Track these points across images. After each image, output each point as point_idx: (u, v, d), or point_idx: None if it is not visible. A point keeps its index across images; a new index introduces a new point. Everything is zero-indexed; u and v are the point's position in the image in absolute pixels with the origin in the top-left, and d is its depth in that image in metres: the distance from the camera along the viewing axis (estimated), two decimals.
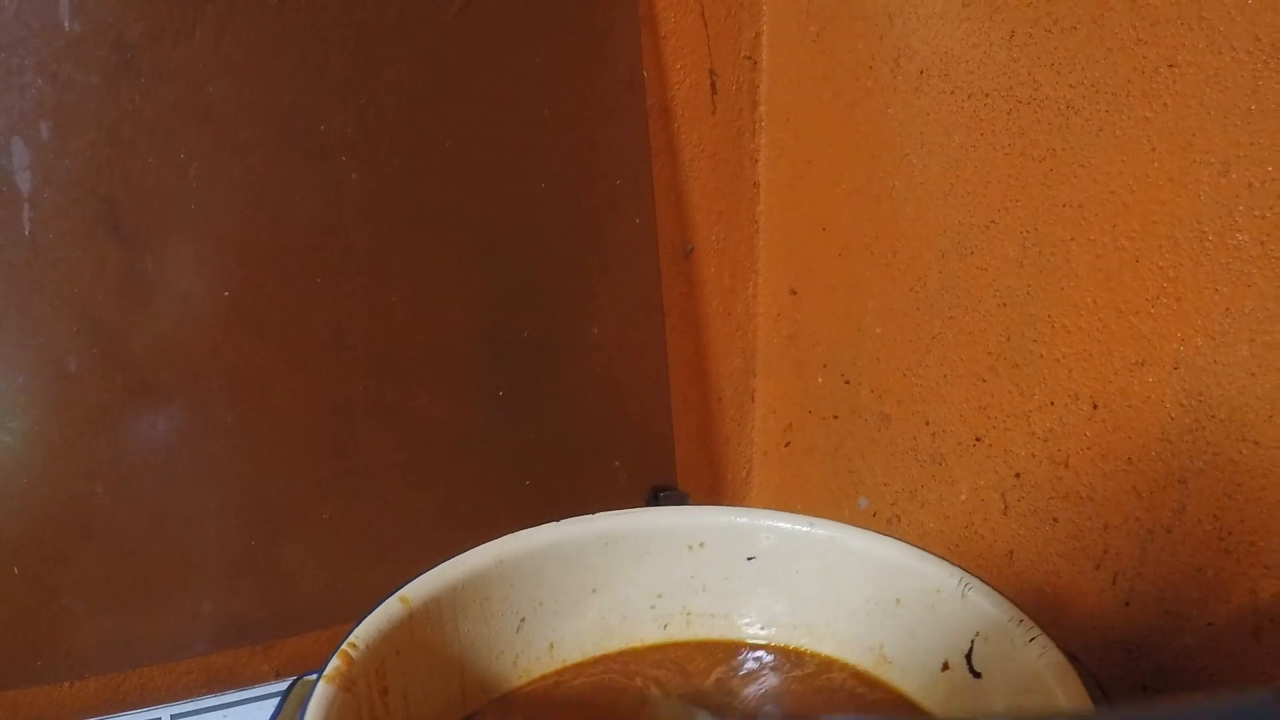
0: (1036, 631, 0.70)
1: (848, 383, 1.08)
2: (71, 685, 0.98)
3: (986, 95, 0.85)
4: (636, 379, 1.15)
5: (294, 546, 1.02)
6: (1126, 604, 0.80)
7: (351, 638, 0.72)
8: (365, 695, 0.72)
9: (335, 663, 0.70)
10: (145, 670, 1.00)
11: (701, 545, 0.86)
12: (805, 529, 0.83)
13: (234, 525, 0.99)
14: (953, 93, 0.89)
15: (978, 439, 0.93)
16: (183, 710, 0.99)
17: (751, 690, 0.83)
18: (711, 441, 1.25)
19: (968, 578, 0.76)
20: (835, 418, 1.11)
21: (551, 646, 0.85)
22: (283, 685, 1.02)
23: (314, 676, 0.69)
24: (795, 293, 1.15)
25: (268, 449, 0.99)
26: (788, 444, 1.19)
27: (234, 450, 0.98)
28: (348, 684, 0.70)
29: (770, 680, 0.84)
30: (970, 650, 0.76)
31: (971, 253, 0.90)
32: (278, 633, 1.02)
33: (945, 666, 0.78)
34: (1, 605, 0.93)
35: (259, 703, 1.01)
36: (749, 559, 0.86)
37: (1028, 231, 0.85)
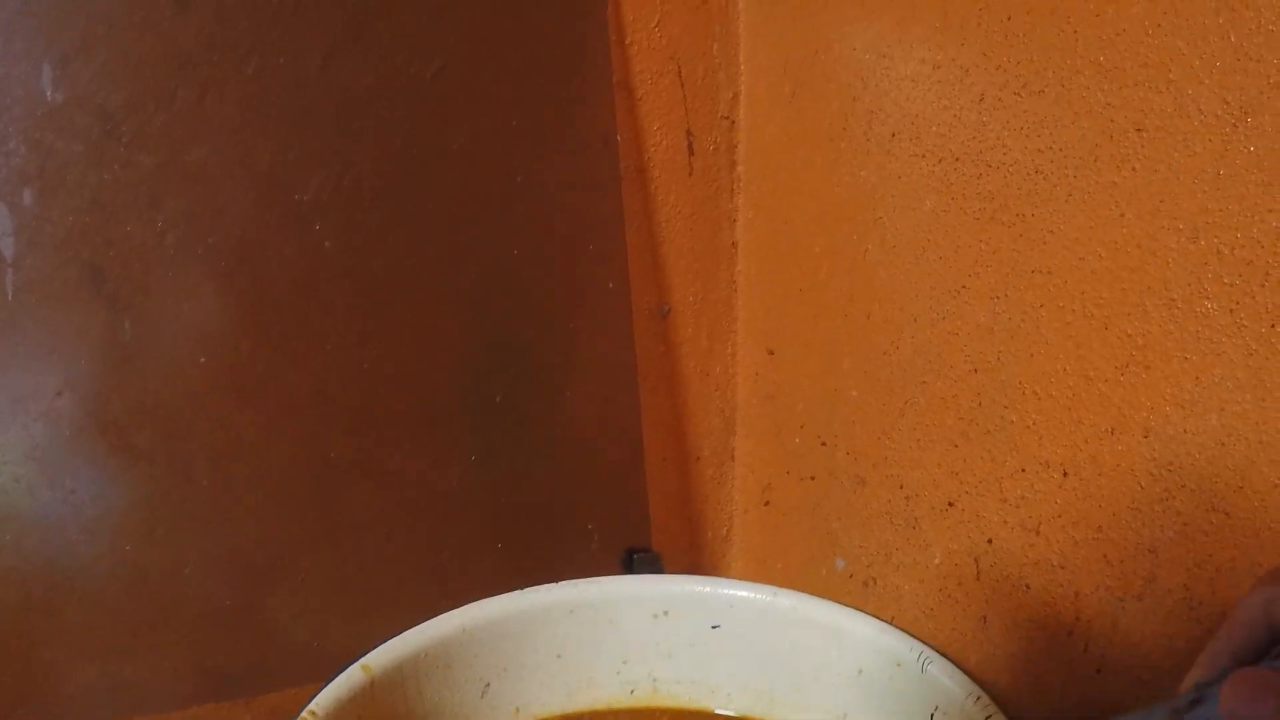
0: (993, 710, 0.72)
1: (824, 444, 1.08)
2: None
3: (956, 159, 0.86)
4: (610, 440, 1.15)
5: (273, 601, 1.02)
6: (1098, 671, 0.80)
7: (311, 705, 0.74)
8: None
9: None
10: None
11: (666, 613, 0.87)
12: (768, 598, 0.85)
13: (214, 580, 0.99)
14: (923, 156, 0.89)
15: (951, 504, 0.93)
16: None
17: None
18: (690, 501, 1.25)
19: (927, 652, 0.78)
20: (813, 479, 1.10)
21: (517, 711, 0.86)
22: None
23: None
24: (773, 353, 1.15)
25: (247, 505, 0.99)
26: (767, 503, 1.20)
27: (214, 507, 0.98)
28: None
29: None
30: None
31: (943, 318, 0.90)
32: (258, 686, 1.02)
33: None
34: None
35: None
36: (714, 627, 0.86)
37: (998, 297, 0.85)
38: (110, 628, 0.96)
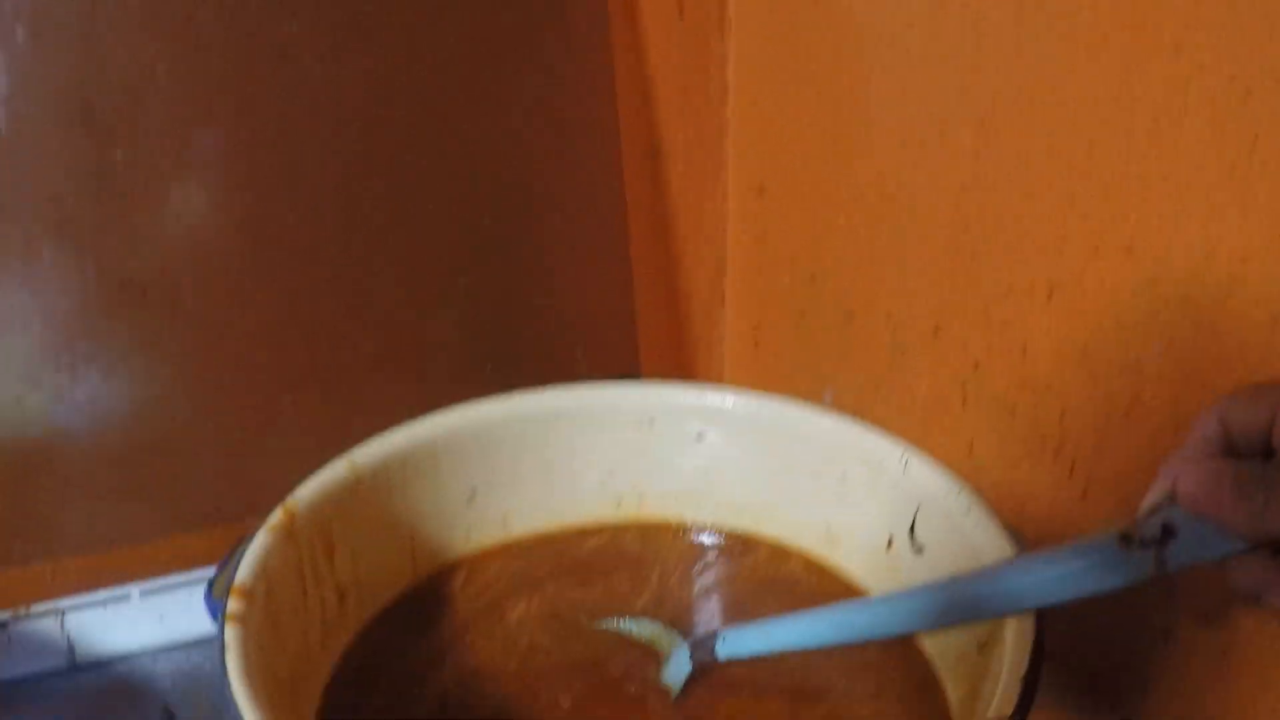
0: (974, 501, 0.72)
1: (813, 280, 1.08)
2: (46, 565, 1.00)
3: None
4: (599, 274, 1.16)
5: (264, 437, 1.03)
6: (1084, 494, 0.81)
7: (295, 494, 0.73)
8: (308, 550, 0.73)
9: (277, 515, 0.71)
10: (117, 551, 1.01)
11: (651, 422, 0.86)
12: (752, 406, 0.85)
13: (204, 416, 1.01)
14: None
15: (937, 330, 0.93)
16: (152, 587, 1.01)
17: (704, 581, 0.85)
18: (681, 345, 1.26)
19: (909, 450, 0.77)
20: (802, 316, 1.11)
21: (504, 519, 0.86)
22: None
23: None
24: (763, 192, 1.15)
25: (235, 342, 1.00)
26: (757, 343, 1.21)
27: (203, 342, 0.99)
28: (288, 535, 0.71)
29: (722, 569, 0.86)
30: (913, 524, 0.77)
31: (930, 145, 0.90)
32: (245, 517, 1.02)
33: (890, 543, 0.79)
34: None
35: None
36: (698, 436, 0.86)
37: (984, 121, 0.84)
38: (102, 462, 0.98)
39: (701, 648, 0.73)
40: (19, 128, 0.88)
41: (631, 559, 0.86)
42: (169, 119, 0.93)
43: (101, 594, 1.01)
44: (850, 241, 1.02)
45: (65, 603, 0.99)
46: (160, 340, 0.97)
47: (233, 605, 0.62)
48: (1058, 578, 0.58)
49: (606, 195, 1.14)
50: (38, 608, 0.98)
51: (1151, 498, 0.55)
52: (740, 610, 0.81)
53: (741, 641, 0.71)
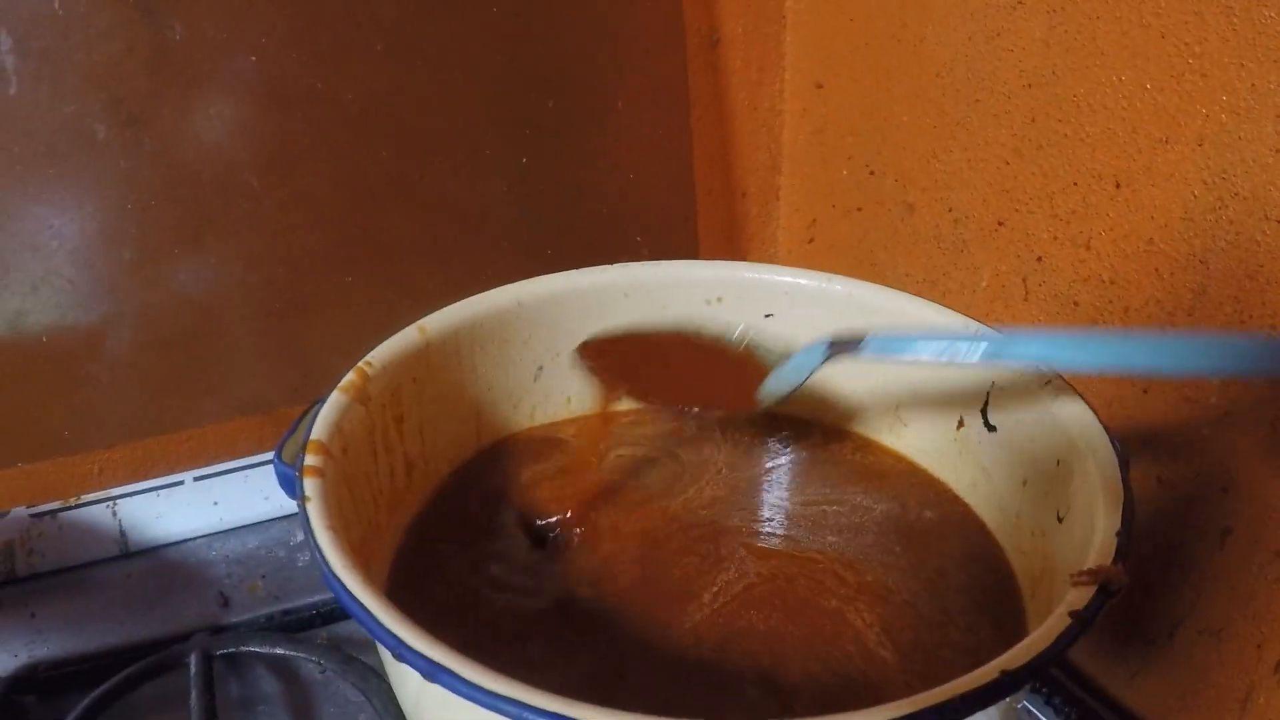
0: (1051, 374, 0.72)
1: (872, 173, 1.09)
2: (98, 453, 1.01)
3: None
4: (660, 161, 1.16)
5: (315, 322, 1.05)
6: (1145, 391, 0.81)
7: (368, 356, 0.74)
8: (379, 415, 0.74)
9: (350, 376, 0.72)
10: (169, 438, 1.03)
11: (719, 300, 0.87)
12: (821, 284, 0.86)
13: (257, 301, 1.02)
14: None
15: (1000, 223, 0.94)
16: (205, 473, 1.02)
17: (771, 463, 0.85)
18: (735, 238, 1.26)
19: (983, 328, 0.77)
20: (859, 210, 1.11)
21: (569, 400, 0.88)
22: None
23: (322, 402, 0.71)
24: (822, 86, 1.15)
25: (291, 224, 1.01)
26: (811, 240, 1.21)
27: (259, 225, 1.00)
28: (362, 398, 0.72)
29: (792, 453, 0.86)
30: (985, 404, 0.78)
31: (998, 34, 0.90)
32: (297, 402, 1.04)
33: (960, 424, 0.80)
34: (32, 379, 0.96)
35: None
36: (767, 316, 0.87)
37: (1055, 10, 0.84)
38: (154, 348, 0.99)
39: (842, 343, 0.69)
40: (74, 5, 0.88)
41: (696, 439, 0.86)
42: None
43: (153, 481, 1.02)
44: (912, 134, 1.02)
45: (116, 491, 1.01)
46: (215, 224, 0.98)
47: (311, 459, 0.63)
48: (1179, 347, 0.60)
49: (670, 83, 1.14)
50: (88, 497, 1.00)
51: None
52: (802, 483, 0.82)
53: (893, 342, 0.68)
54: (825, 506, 0.79)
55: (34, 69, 0.89)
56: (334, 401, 0.69)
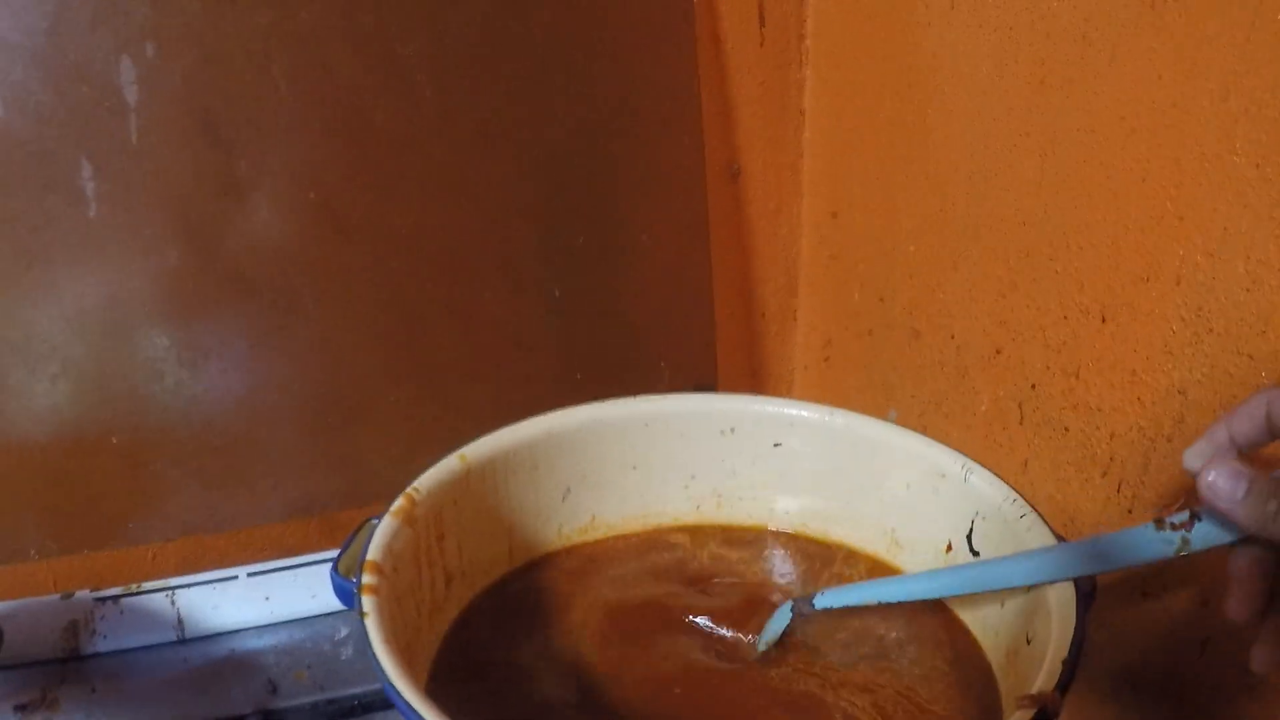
0: (1027, 509, 0.75)
1: (882, 300, 1.11)
2: (157, 545, 1.07)
3: (1010, 28, 0.89)
4: (682, 288, 1.18)
5: (364, 432, 1.08)
6: (1129, 511, 0.83)
7: (415, 483, 0.78)
8: (424, 534, 0.77)
9: (400, 502, 0.76)
10: (225, 535, 1.08)
11: (732, 431, 0.90)
12: (826, 418, 0.88)
13: (310, 410, 1.05)
14: (980, 26, 0.92)
15: (998, 351, 0.96)
16: (257, 569, 1.06)
17: (778, 581, 0.88)
18: (754, 356, 1.28)
19: (969, 463, 0.80)
20: (870, 333, 1.14)
21: (593, 518, 0.90)
22: None
23: (376, 520, 0.74)
24: (836, 215, 1.18)
25: (344, 341, 1.05)
26: (827, 359, 1.23)
27: (314, 340, 1.04)
28: (410, 520, 0.75)
29: (794, 570, 0.90)
30: (970, 530, 0.81)
31: (995, 175, 0.93)
32: (345, 506, 1.08)
33: (949, 548, 0.83)
34: (100, 473, 0.99)
35: (324, 564, 1.07)
36: (775, 445, 0.90)
37: (1046, 154, 0.87)
38: (213, 450, 1.02)
39: (801, 602, 0.78)
40: (149, 137, 0.93)
41: (709, 559, 0.90)
42: (288, 131, 0.98)
43: (211, 574, 1.05)
44: (918, 264, 1.05)
45: (175, 581, 1.04)
46: (272, 338, 1.02)
47: (368, 578, 0.68)
48: (1104, 550, 0.64)
49: (691, 216, 1.16)
50: (148, 585, 1.03)
51: (1193, 452, 0.62)
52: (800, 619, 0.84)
53: (836, 596, 0.77)
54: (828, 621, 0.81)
55: (111, 194, 0.94)
56: (386, 525, 0.73)
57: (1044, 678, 0.62)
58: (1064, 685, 0.61)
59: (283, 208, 1.00)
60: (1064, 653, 0.63)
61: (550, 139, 1.09)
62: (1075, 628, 0.65)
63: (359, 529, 0.76)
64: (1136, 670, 0.86)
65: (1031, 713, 0.59)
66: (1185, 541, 0.59)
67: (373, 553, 0.71)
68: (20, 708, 0.96)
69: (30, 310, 0.95)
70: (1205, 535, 0.59)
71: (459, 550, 0.82)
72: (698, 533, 0.92)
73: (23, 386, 0.96)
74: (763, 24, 1.16)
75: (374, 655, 0.62)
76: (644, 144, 1.14)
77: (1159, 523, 0.60)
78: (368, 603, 0.66)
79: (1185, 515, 0.59)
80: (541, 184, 1.10)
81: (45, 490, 0.99)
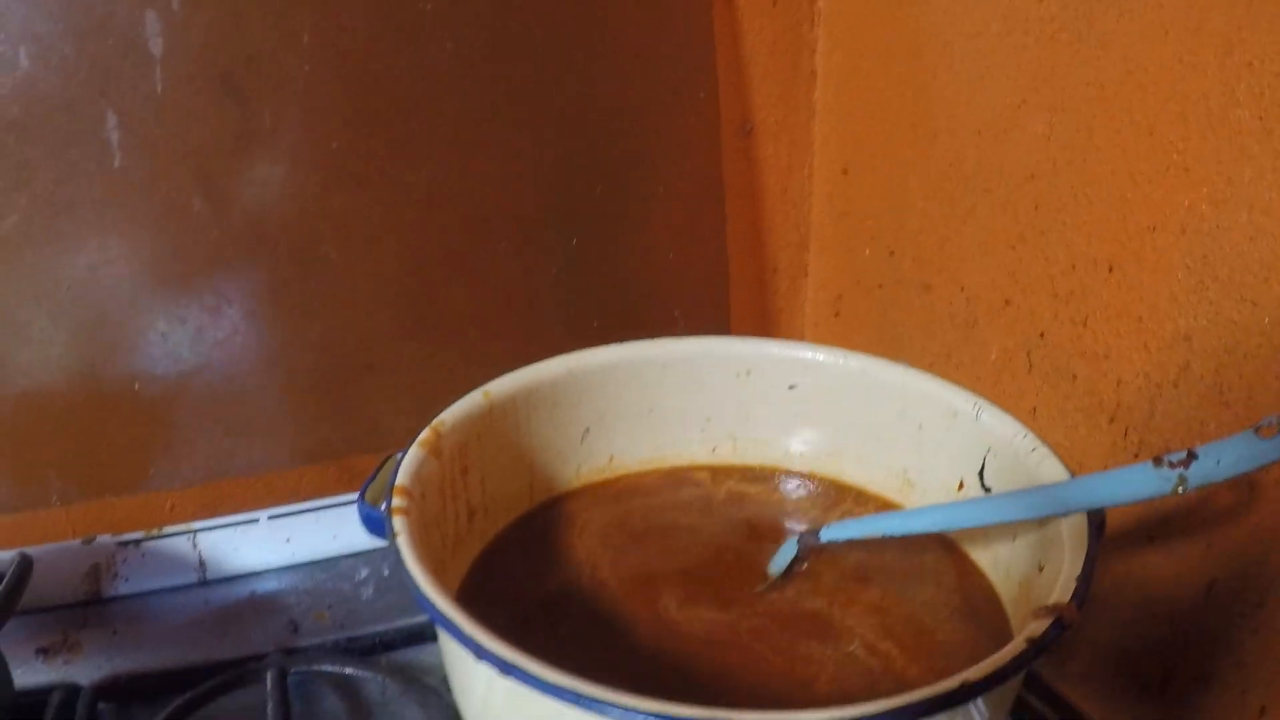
0: (1038, 443, 0.77)
1: (892, 254, 1.12)
2: (178, 493, 1.08)
3: None
4: (697, 242, 1.19)
5: (380, 382, 1.09)
6: (1136, 455, 0.85)
7: (440, 416, 0.80)
8: (449, 467, 0.79)
9: (426, 434, 0.78)
10: (243, 481, 1.09)
11: (748, 373, 0.92)
12: (839, 360, 0.90)
13: (327, 359, 1.07)
14: None
15: (1007, 302, 0.98)
16: (278, 512, 1.08)
17: (790, 523, 0.90)
18: (766, 311, 1.30)
19: (981, 401, 0.82)
20: (881, 288, 1.15)
21: (611, 459, 0.92)
22: None
23: (400, 454, 0.77)
24: (847, 172, 1.19)
25: (361, 292, 1.06)
26: (837, 314, 1.24)
27: (331, 291, 1.05)
28: (435, 452, 0.77)
29: (806, 511, 0.91)
30: (982, 467, 0.82)
31: (1005, 131, 0.95)
32: (363, 453, 1.10)
33: (960, 485, 0.84)
34: (122, 420, 1.01)
35: (343, 507, 1.10)
36: (790, 387, 0.92)
37: (1055, 110, 0.89)
38: (233, 398, 1.05)
39: (808, 534, 0.81)
40: (173, 91, 0.94)
41: (727, 495, 0.91)
42: (308, 87, 0.98)
43: (232, 518, 1.07)
44: (928, 219, 1.06)
45: (197, 524, 1.06)
46: (290, 288, 1.03)
47: (398, 501, 0.70)
48: (1108, 486, 0.66)
49: (706, 170, 1.17)
50: (170, 529, 1.05)
51: None
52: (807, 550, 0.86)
53: (842, 529, 0.80)
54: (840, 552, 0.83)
55: (135, 146, 0.95)
56: (413, 455, 0.75)
57: (1059, 592, 0.64)
58: (1079, 598, 0.63)
59: (301, 162, 1.01)
60: (1078, 570, 0.65)
61: (567, 95, 1.10)
62: (1088, 549, 0.66)
63: (384, 462, 0.78)
64: (1142, 616, 0.88)
65: (1048, 622, 0.60)
66: (1183, 479, 0.61)
67: (401, 478, 0.73)
68: (41, 651, 0.97)
69: (54, 260, 0.96)
70: (1202, 473, 0.60)
71: (482, 485, 0.83)
72: (717, 471, 0.94)
73: (45, 335, 0.97)
74: None
75: (407, 570, 0.64)
76: (660, 100, 1.15)
77: (1157, 461, 0.62)
78: (398, 523, 0.68)
79: (1183, 454, 0.61)
80: (557, 138, 1.11)
81: (67, 437, 1.01)
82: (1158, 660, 0.87)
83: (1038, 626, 0.60)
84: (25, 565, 0.84)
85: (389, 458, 0.78)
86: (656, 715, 0.54)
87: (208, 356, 1.03)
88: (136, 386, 1.01)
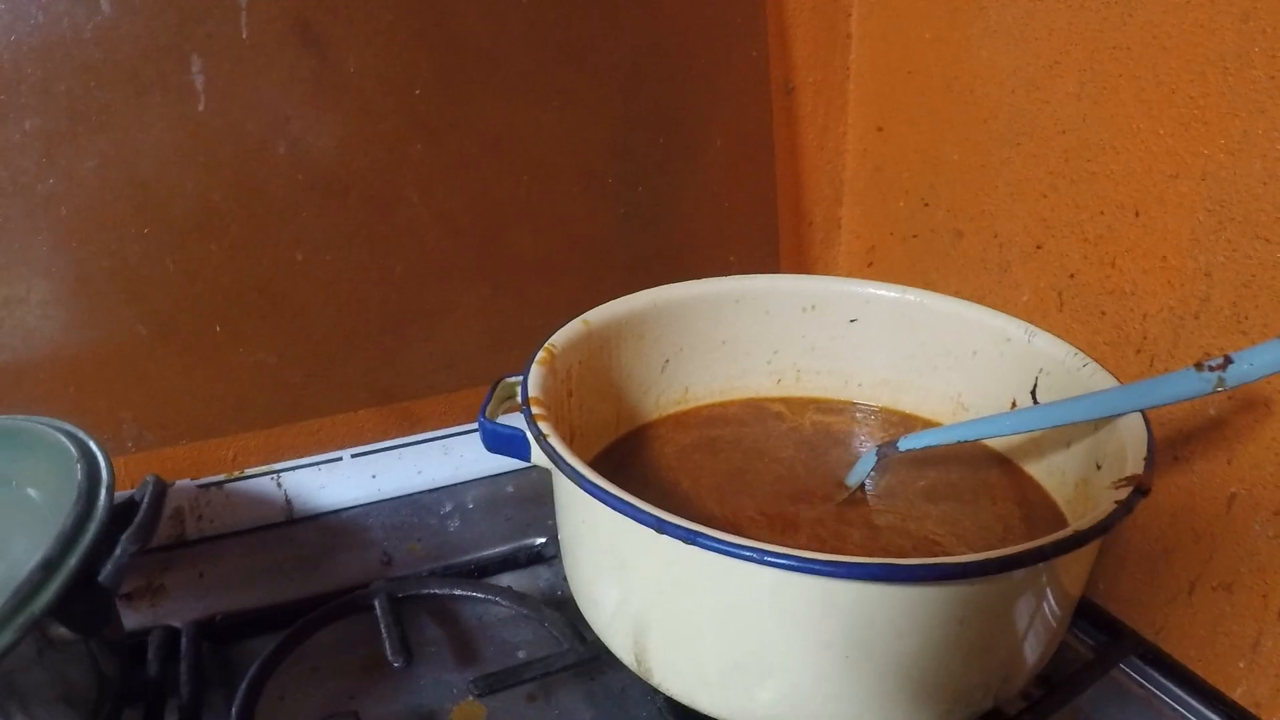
0: (1088, 360, 0.84)
1: (926, 205, 1.19)
2: (252, 435, 1.13)
3: None
4: (748, 191, 1.26)
5: (447, 325, 1.14)
6: None
7: (551, 340, 0.86)
8: (560, 386, 0.87)
9: (541, 353, 0.84)
10: (324, 420, 1.14)
11: (814, 307, 0.98)
12: (898, 295, 0.96)
13: (397, 305, 1.11)
14: None
15: (1039, 246, 1.04)
16: (361, 450, 1.13)
17: (856, 444, 0.96)
18: (801, 263, 1.35)
19: (1032, 328, 0.89)
20: (915, 237, 1.22)
21: (686, 390, 0.99)
22: (449, 429, 1.17)
23: (512, 378, 0.83)
24: (881, 129, 1.26)
25: (429, 240, 1.10)
26: (870, 264, 1.29)
27: (401, 239, 1.09)
28: (551, 370, 0.84)
29: (867, 435, 0.97)
30: (1035, 386, 0.89)
31: (1037, 89, 1.01)
32: (432, 394, 1.14)
33: (1013, 404, 0.91)
34: (199, 362, 1.05)
35: (427, 444, 1.15)
36: (852, 321, 0.98)
37: (1085, 70, 0.96)
38: (308, 340, 1.08)
39: (886, 446, 0.87)
40: (257, 33, 0.97)
41: (798, 425, 0.97)
42: (383, 36, 1.02)
43: (315, 457, 1.11)
44: (961, 171, 1.12)
45: (279, 465, 1.09)
46: (362, 232, 1.07)
47: (537, 410, 0.76)
48: (1158, 389, 0.73)
49: (756, 125, 1.24)
50: (251, 470, 1.08)
51: None
52: (884, 465, 0.90)
53: (919, 439, 0.86)
54: (904, 474, 0.90)
55: (221, 89, 0.98)
56: (536, 371, 0.81)
57: (1131, 467, 0.71)
58: (1149, 469, 0.71)
59: (374, 110, 1.04)
60: (1143, 452, 0.72)
61: (627, 55, 1.15)
62: (1148, 437, 0.74)
63: (496, 383, 0.84)
64: (1168, 531, 0.94)
65: (1130, 489, 0.68)
66: (1221, 380, 0.68)
67: (533, 390, 0.79)
68: (126, 597, 0.97)
69: (134, 207, 0.98)
70: (1238, 374, 0.68)
71: (581, 408, 0.89)
72: (791, 402, 1.00)
73: (128, 280, 1.00)
74: None
75: (560, 459, 0.72)
76: (715, 58, 1.19)
77: (1199, 366, 0.69)
78: (544, 426, 0.75)
79: (1221, 359, 0.68)
80: (620, 93, 1.15)
81: (140, 382, 1.03)
82: (1183, 572, 0.93)
83: (1122, 492, 0.68)
84: (160, 486, 0.82)
85: (500, 379, 0.84)
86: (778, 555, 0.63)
87: (287, 299, 1.06)
88: (218, 328, 1.04)
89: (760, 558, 0.63)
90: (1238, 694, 0.89)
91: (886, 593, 0.64)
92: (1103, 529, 0.65)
